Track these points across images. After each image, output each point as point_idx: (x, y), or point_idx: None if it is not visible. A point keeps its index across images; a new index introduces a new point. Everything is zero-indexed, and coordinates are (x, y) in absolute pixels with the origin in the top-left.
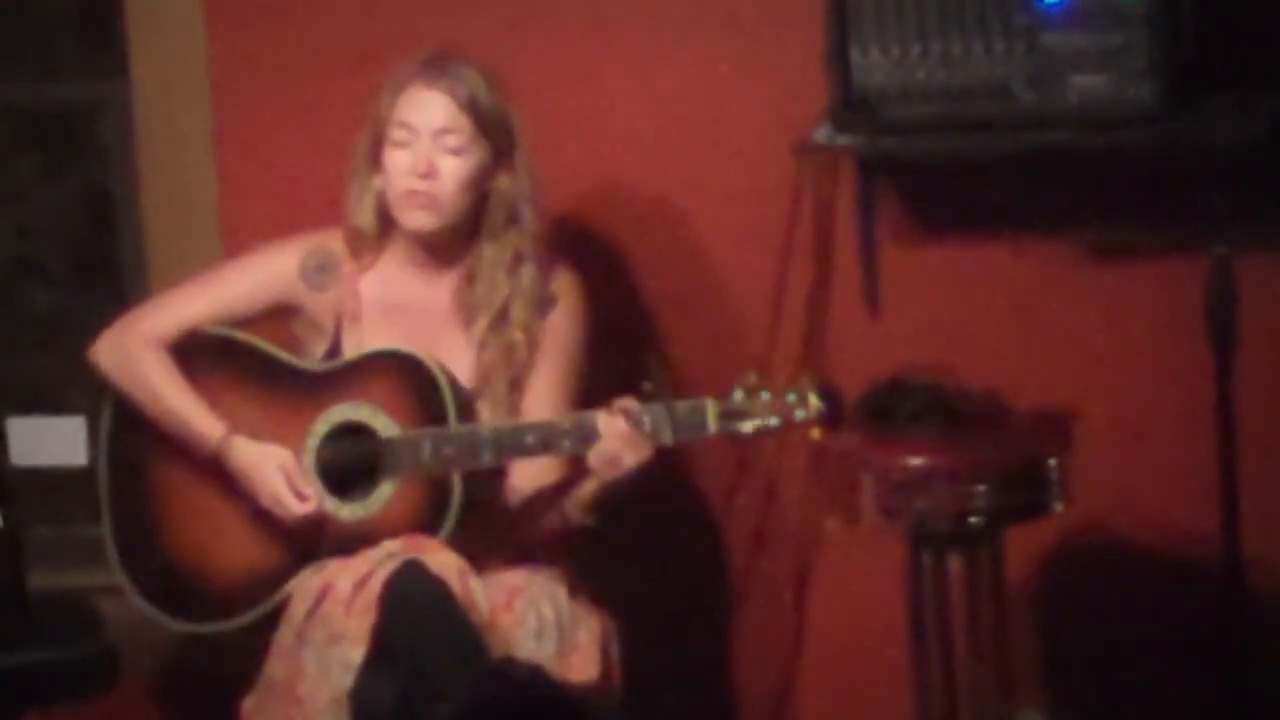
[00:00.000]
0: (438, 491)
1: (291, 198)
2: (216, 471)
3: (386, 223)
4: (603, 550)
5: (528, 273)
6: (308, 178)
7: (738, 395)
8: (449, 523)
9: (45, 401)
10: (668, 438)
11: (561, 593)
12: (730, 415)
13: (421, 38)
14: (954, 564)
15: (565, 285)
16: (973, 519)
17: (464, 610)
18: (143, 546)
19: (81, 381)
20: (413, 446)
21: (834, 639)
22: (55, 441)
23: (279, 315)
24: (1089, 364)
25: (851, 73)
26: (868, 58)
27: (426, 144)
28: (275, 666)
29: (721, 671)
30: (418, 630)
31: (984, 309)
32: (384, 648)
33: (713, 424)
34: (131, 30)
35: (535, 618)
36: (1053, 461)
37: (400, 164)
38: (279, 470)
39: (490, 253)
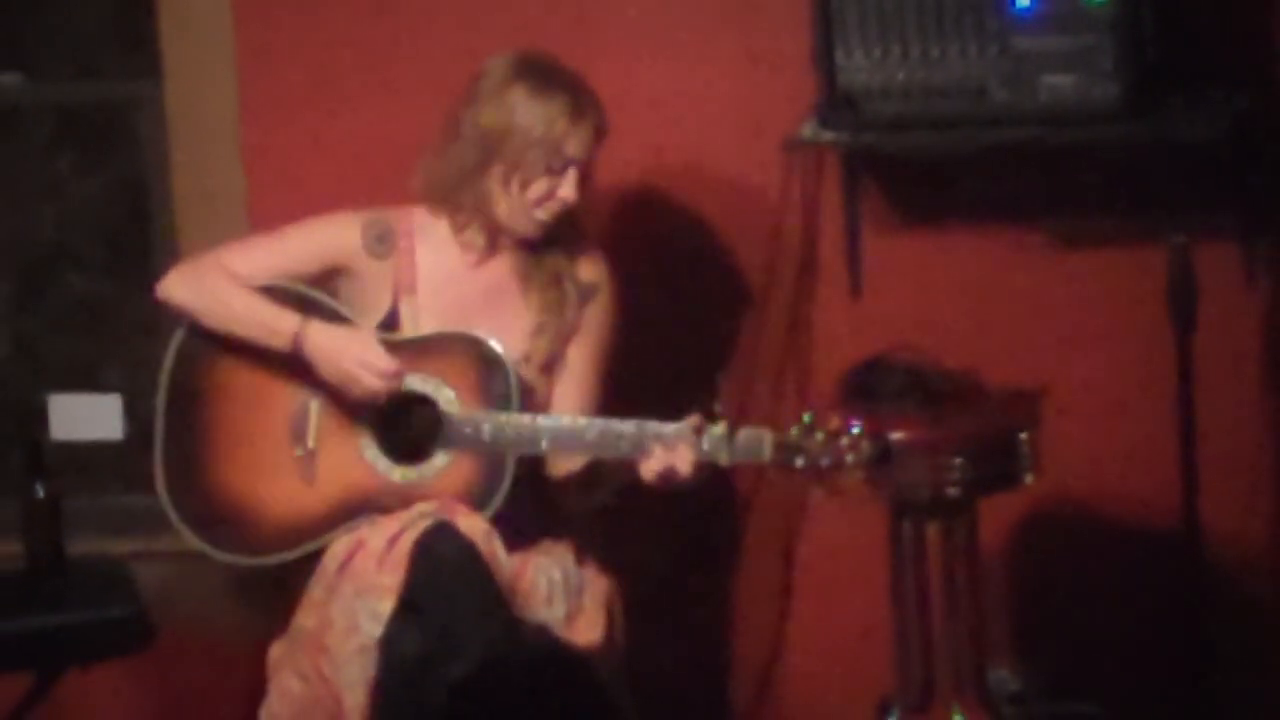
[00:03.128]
0: (491, 469)
1: (315, 189)
2: (276, 415)
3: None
4: (608, 520)
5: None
6: (330, 169)
7: (794, 432)
8: (497, 499)
9: (83, 380)
10: (724, 459)
11: (569, 560)
12: (785, 448)
13: (431, 37)
14: (932, 532)
15: (604, 276)
16: (949, 490)
17: (488, 570)
18: (190, 477)
19: (118, 362)
20: (475, 425)
21: (820, 601)
22: (92, 417)
23: (327, 278)
24: (1058, 345)
25: (836, 73)
26: (851, 59)
27: (575, 176)
28: (305, 617)
29: (715, 632)
30: (444, 587)
31: (960, 294)
32: (412, 602)
33: (768, 454)
34: (164, 33)
35: (546, 583)
36: (1024, 436)
37: (540, 190)
38: (363, 343)
39: (561, 258)
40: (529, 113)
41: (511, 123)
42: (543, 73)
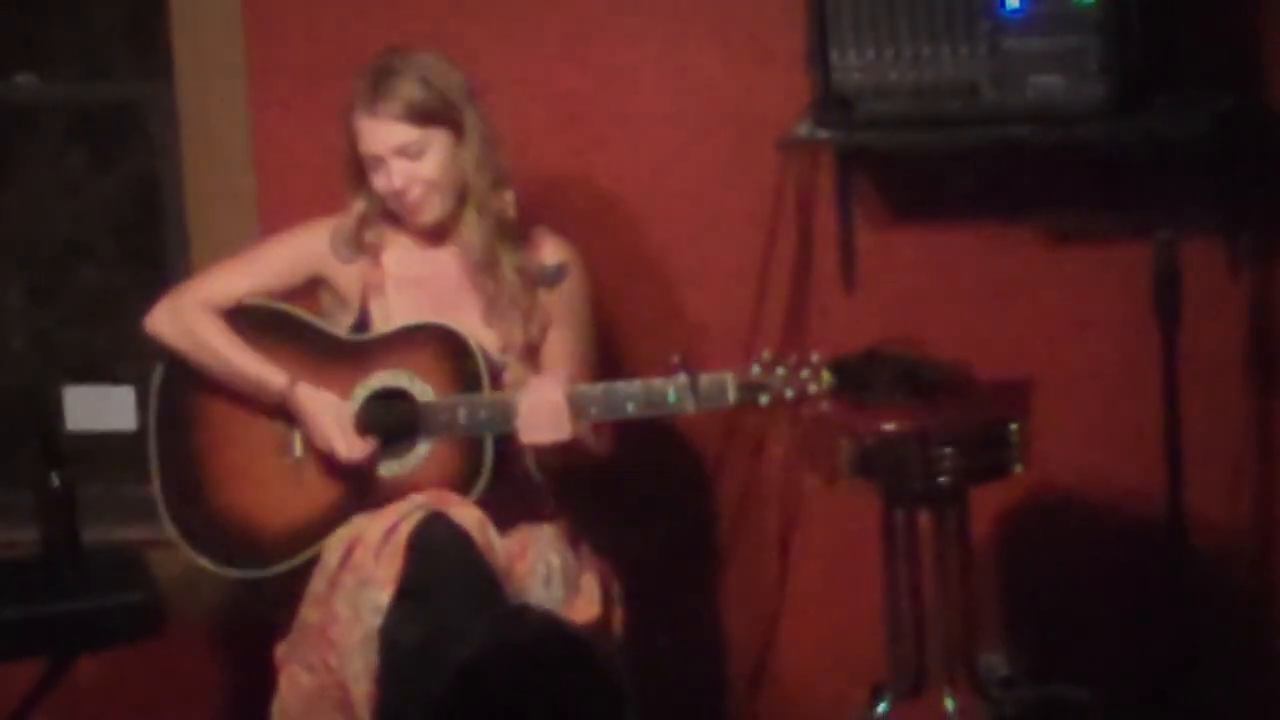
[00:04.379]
0: (472, 453)
1: (322, 185)
2: (260, 431)
3: (391, 218)
4: (605, 506)
5: (502, 216)
6: (337, 167)
7: (755, 370)
8: (482, 481)
9: (97, 372)
10: (690, 408)
11: (566, 544)
12: (748, 388)
13: (437, 37)
14: (924, 520)
15: (570, 256)
16: (941, 479)
17: (483, 558)
18: (191, 501)
19: (130, 354)
20: (450, 411)
21: (814, 588)
22: (107, 408)
23: (310, 288)
24: (1047, 337)
25: (830, 73)
26: (845, 59)
27: (394, 163)
28: (309, 612)
29: (711, 618)
30: (440, 575)
31: (951, 287)
32: (409, 591)
33: (732, 396)
34: (175, 35)
35: (544, 567)
36: (1014, 426)
37: (382, 186)
38: (335, 419)
39: (472, 217)
40: (346, 123)
41: (347, 138)
42: (364, 80)
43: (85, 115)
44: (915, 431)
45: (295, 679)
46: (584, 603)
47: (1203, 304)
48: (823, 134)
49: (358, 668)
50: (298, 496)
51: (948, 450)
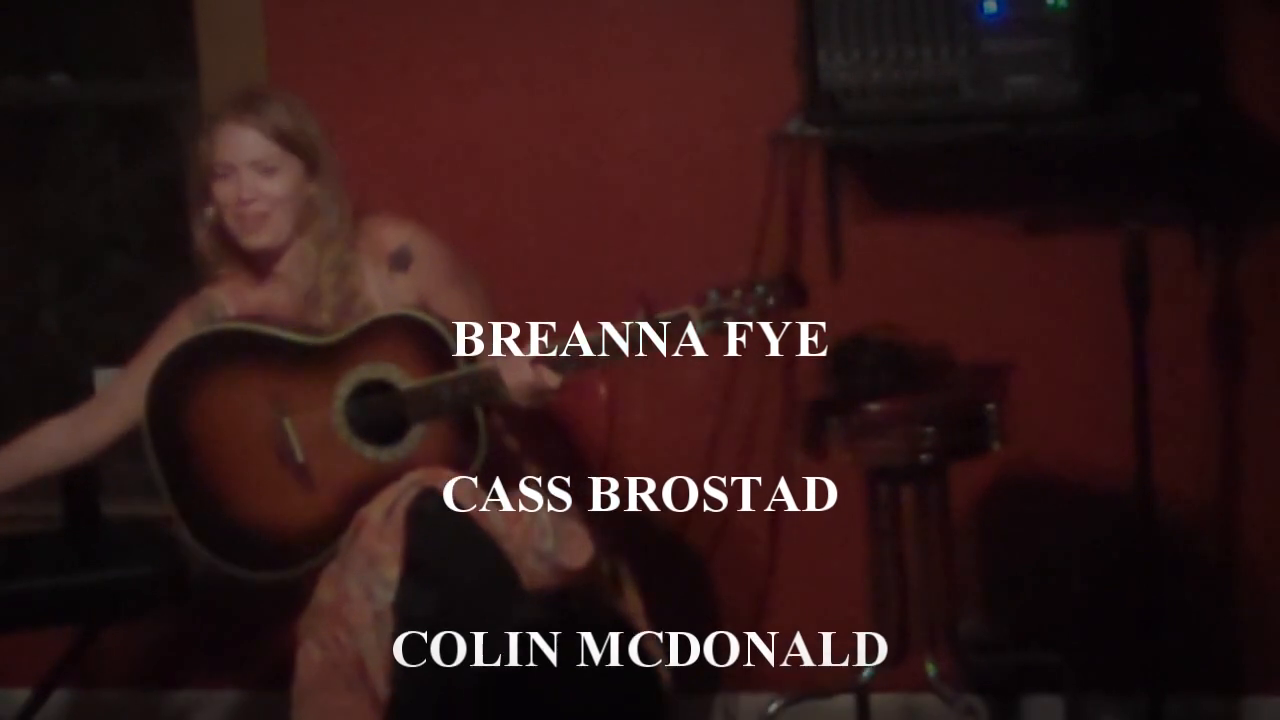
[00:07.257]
0: (465, 427)
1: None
2: (258, 440)
3: (229, 244)
4: (605, 490)
5: (337, 251)
6: (356, 168)
7: (713, 297)
8: (481, 452)
9: (126, 356)
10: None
11: (538, 490)
12: (712, 315)
13: (453, 40)
14: (906, 495)
15: (408, 233)
16: (923, 457)
17: (477, 524)
18: (210, 518)
19: None
20: (432, 392)
21: (804, 560)
22: None
23: None
24: (1023, 324)
25: (819, 73)
26: (833, 60)
27: (245, 174)
28: (324, 590)
29: (704, 586)
30: (441, 545)
31: (933, 276)
32: (415, 564)
33: (698, 328)
34: (201, 37)
35: (538, 524)
36: (991, 407)
37: (226, 196)
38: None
39: (310, 249)
40: (204, 137)
41: (199, 145)
42: (233, 97)
43: (115, 114)
44: (899, 411)
45: (309, 655)
46: (575, 544)
47: (1170, 291)
48: (811, 131)
49: (371, 642)
50: (309, 498)
51: (929, 429)
